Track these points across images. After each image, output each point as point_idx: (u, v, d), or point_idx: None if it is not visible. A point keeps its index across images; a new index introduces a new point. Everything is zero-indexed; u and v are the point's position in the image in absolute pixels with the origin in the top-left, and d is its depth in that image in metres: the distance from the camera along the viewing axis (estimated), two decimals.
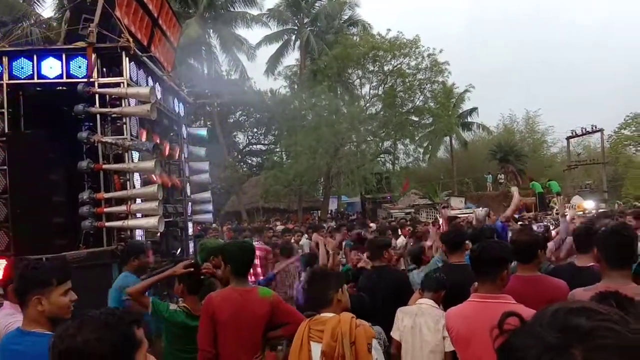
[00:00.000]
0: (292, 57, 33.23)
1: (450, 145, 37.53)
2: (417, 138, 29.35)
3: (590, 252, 2.95)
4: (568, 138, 29.88)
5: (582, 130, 27.92)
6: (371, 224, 13.21)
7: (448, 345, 3.02)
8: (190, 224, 7.97)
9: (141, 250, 4.42)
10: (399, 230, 9.27)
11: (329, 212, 26.93)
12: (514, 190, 6.66)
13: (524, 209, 21.66)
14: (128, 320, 1.35)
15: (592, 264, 3.17)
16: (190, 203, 8.02)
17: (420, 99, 25.92)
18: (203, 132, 9.18)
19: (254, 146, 35.63)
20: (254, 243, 6.88)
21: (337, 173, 25.16)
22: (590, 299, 1.91)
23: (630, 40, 76.79)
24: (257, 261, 6.44)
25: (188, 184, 7.97)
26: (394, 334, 3.29)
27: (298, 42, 32.14)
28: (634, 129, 37.02)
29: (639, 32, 77.05)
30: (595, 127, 27.85)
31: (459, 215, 15.53)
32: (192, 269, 3.34)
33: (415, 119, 27.29)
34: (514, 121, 42.16)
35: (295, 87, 29.81)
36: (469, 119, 37.78)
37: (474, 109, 37.14)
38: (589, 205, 17.89)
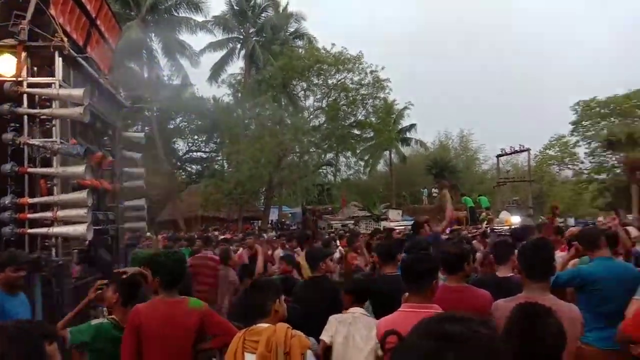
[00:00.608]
0: (237, 66, 33.05)
1: (390, 159, 38.63)
2: (358, 151, 30.00)
3: (509, 263, 3.16)
4: (498, 156, 31.56)
5: (510, 149, 29.62)
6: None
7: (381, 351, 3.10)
8: (122, 233, 7.65)
9: (9, 261, 3.52)
10: (337, 241, 9.38)
11: (270, 222, 26.79)
12: (445, 193, 6.91)
13: (456, 222, 22.63)
14: (37, 334, 1.28)
15: (511, 274, 3.39)
16: (122, 210, 7.70)
17: (362, 113, 26.55)
18: (140, 137, 8.87)
19: (194, 153, 34.85)
20: (206, 253, 6.76)
21: (279, 183, 25.14)
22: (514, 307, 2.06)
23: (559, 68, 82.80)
24: (207, 271, 6.31)
25: (121, 191, 7.66)
26: (325, 337, 3.25)
27: (243, 51, 31.97)
28: (557, 149, 39.83)
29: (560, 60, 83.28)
30: (523, 147, 29.64)
31: (396, 228, 16.02)
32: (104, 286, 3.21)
33: (357, 132, 27.88)
34: (449, 138, 44.18)
35: (239, 95, 29.60)
36: (408, 135, 39.12)
37: (412, 125, 38.54)
38: (516, 220, 18.98)
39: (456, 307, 2.94)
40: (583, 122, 37.22)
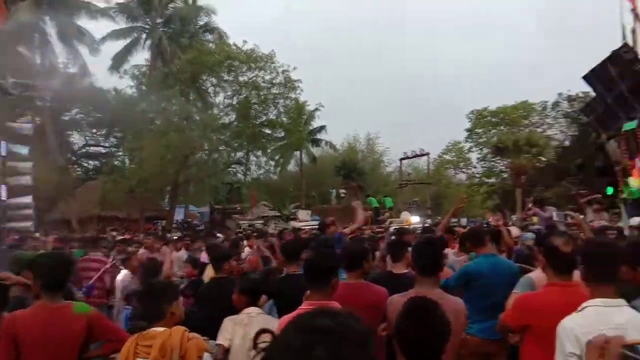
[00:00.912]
0: (141, 57, 31.33)
1: (300, 160, 39.00)
2: (269, 150, 29.89)
3: (404, 261, 3.36)
4: (401, 159, 33.24)
5: (412, 153, 31.32)
6: (218, 235, 12.99)
7: None
8: (4, 233, 6.93)
9: None
10: (245, 241, 9.27)
11: (175, 222, 25.77)
12: (357, 204, 7.13)
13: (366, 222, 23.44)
14: None
15: (405, 271, 3.59)
16: (4, 209, 6.98)
17: (274, 112, 26.47)
18: (27, 128, 8.10)
19: (92, 148, 32.50)
20: (94, 255, 6.28)
21: (186, 181, 24.28)
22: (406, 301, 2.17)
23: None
24: (92, 274, 5.88)
25: (3, 187, 6.94)
26: (222, 340, 3.16)
27: (149, 42, 30.44)
28: (453, 154, 42.88)
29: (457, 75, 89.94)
30: (423, 151, 31.49)
31: (304, 227, 16.21)
32: None
33: (268, 131, 27.76)
34: (357, 141, 45.64)
35: (144, 88, 28.14)
36: (319, 136, 39.79)
37: (323, 127, 39.26)
38: (415, 219, 20.12)
39: (355, 303, 3.04)
40: (476, 130, 40.48)
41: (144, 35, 30.75)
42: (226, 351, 3.11)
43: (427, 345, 1.94)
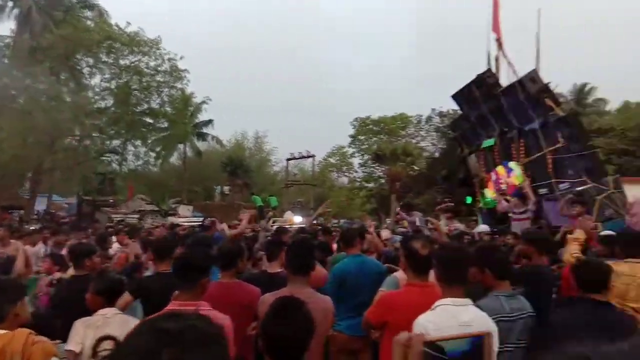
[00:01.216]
0: (6, 27, 27.63)
1: (184, 153, 37.50)
2: (149, 141, 28.22)
3: (279, 260, 3.39)
4: (288, 160, 33.69)
5: (299, 154, 31.92)
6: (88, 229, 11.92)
7: None
8: None
9: None
10: (114, 236, 8.62)
11: (35, 212, 23.15)
12: (244, 213, 6.98)
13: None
14: None
15: (280, 270, 3.63)
16: None
17: (157, 101, 25.07)
18: None
19: None
20: None
21: (51, 168, 21.94)
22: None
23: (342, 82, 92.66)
24: None
25: None
26: (72, 346, 2.87)
27: (16, 11, 26.97)
28: (337, 158, 44.53)
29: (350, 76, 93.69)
30: (310, 153, 32.28)
31: (183, 224, 15.56)
32: None
33: (150, 121, 26.22)
34: (245, 138, 45.18)
35: (6, 61, 24.87)
36: (205, 130, 38.60)
37: (210, 121, 38.14)
38: (298, 219, 20.48)
39: (227, 302, 2.99)
40: (359, 137, 42.54)
41: (10, 4, 27.17)
42: (77, 356, 2.82)
43: (290, 344, 1.97)
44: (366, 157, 41.40)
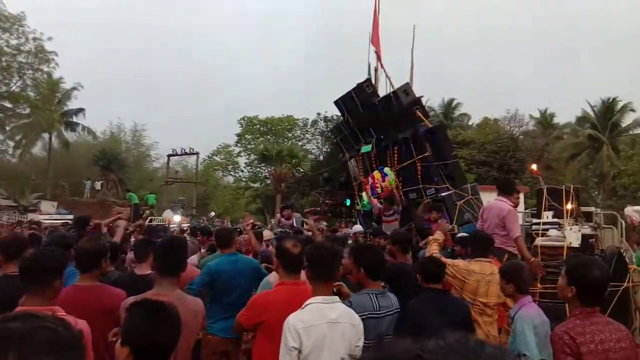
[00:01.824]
0: None
1: (50, 143, 33.90)
2: (8, 128, 25.07)
3: (149, 261, 3.22)
4: (169, 156, 32.20)
5: (181, 151, 30.68)
6: None
7: None
8: None
9: None
10: None
11: None
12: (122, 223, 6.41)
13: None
14: None
15: (150, 272, 3.45)
16: None
17: (18, 84, 22.41)
18: None
19: None
20: None
21: None
22: None
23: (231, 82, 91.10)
24: None
25: None
26: None
27: None
28: (223, 156, 43.65)
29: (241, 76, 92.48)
30: (193, 150, 31.19)
31: (46, 222, 14.03)
32: None
33: (9, 105, 23.32)
34: (122, 131, 42.20)
35: None
36: (75, 119, 35.29)
37: (80, 110, 34.98)
38: (177, 219, 19.65)
39: (86, 307, 2.76)
40: (246, 136, 42.19)
41: None
42: None
43: (154, 348, 1.88)
44: (252, 157, 41.18)
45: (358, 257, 3.21)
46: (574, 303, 2.44)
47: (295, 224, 9.04)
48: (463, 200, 8.57)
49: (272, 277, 3.58)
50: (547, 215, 6.80)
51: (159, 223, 18.12)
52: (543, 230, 6.42)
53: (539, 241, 6.15)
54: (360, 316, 2.86)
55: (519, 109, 38.80)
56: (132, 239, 6.06)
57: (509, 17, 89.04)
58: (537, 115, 38.63)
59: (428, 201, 8.08)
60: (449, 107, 39.69)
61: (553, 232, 6.30)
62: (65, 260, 2.57)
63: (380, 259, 3.31)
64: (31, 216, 19.51)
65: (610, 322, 2.44)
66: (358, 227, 9.03)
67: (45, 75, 23.34)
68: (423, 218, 7.00)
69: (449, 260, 3.94)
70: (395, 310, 3.12)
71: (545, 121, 38.17)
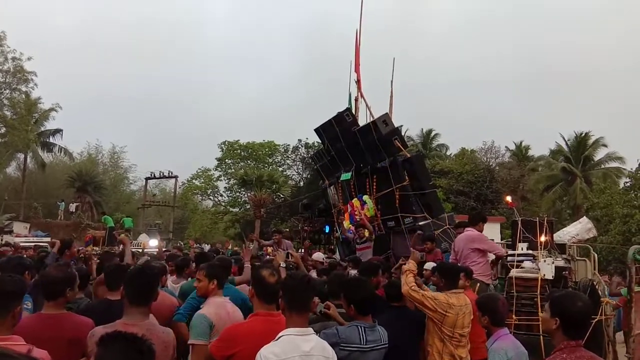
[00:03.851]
0: None
1: (24, 164, 33.17)
2: None
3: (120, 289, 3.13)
4: (147, 179, 31.79)
5: (160, 174, 30.35)
6: None
7: None
8: None
9: None
10: None
11: None
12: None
13: (92, 241, 21.23)
14: None
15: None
16: None
17: None
18: None
19: None
20: None
21: None
22: None
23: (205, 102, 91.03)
24: None
25: None
26: None
27: None
28: (202, 180, 43.29)
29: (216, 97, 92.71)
30: (172, 173, 30.89)
31: (24, 244, 13.53)
32: None
33: None
34: (100, 152, 41.64)
35: None
36: (52, 140, 34.70)
37: (58, 130, 34.44)
38: (153, 243, 19.22)
39: (50, 337, 2.66)
40: (226, 160, 42.03)
41: None
42: None
43: None
44: (232, 181, 40.93)
45: (347, 292, 3.20)
46: (558, 336, 2.44)
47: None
48: (440, 230, 8.64)
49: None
50: (522, 247, 6.89)
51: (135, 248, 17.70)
52: (518, 261, 6.49)
53: (514, 272, 6.22)
54: (346, 348, 2.89)
55: (495, 140, 39.81)
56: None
57: (487, 46, 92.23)
58: (512, 147, 39.59)
59: (420, 233, 8.13)
60: (427, 137, 40.39)
61: (527, 264, 6.38)
62: (24, 285, 2.48)
63: (370, 294, 3.26)
64: (6, 238, 18.92)
65: (594, 357, 2.44)
66: (319, 255, 8.99)
67: (23, 95, 23.04)
68: (417, 248, 7.03)
69: (429, 294, 3.93)
70: (383, 345, 3.12)
71: (520, 153, 39.09)
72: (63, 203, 28.55)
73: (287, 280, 2.78)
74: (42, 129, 32.63)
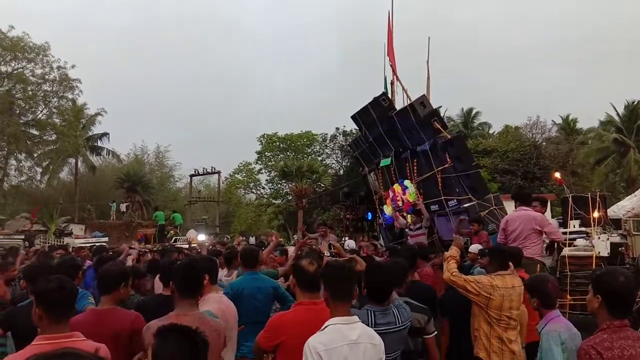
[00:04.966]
0: None
1: (76, 168, 34.80)
2: (36, 155, 25.84)
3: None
4: (191, 176, 32.66)
5: (203, 170, 31.08)
6: None
7: None
8: None
9: None
10: None
11: None
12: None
13: (144, 239, 22.06)
14: None
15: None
16: None
17: (44, 112, 23.16)
18: None
19: None
20: None
21: None
22: None
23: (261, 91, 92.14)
24: None
25: None
26: None
27: None
28: (244, 174, 44.04)
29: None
30: (215, 169, 31.57)
31: (84, 245, 14.23)
32: None
33: (36, 133, 24.08)
34: (145, 153, 43.08)
35: None
36: (99, 143, 36.20)
37: (105, 134, 35.88)
38: (201, 238, 19.77)
39: (98, 331, 2.76)
40: (266, 153, 42.52)
41: None
42: None
43: None
44: (273, 173, 41.41)
45: (365, 278, 3.14)
46: (602, 315, 2.35)
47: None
48: (487, 211, 8.41)
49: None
50: (574, 224, 6.63)
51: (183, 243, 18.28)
52: (570, 239, 6.25)
53: (567, 251, 5.99)
54: None
55: (540, 115, 38.23)
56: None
57: (526, 24, 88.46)
58: (559, 121, 37.97)
59: (464, 218, 7.98)
60: (468, 116, 39.34)
61: (580, 242, 6.14)
62: (76, 287, 2.61)
63: (383, 282, 3.09)
64: (67, 240, 19.95)
65: None
66: (351, 243, 8.94)
67: (70, 102, 24.09)
68: (462, 232, 6.89)
69: (471, 278, 3.85)
70: (399, 327, 3.04)
71: (568, 127, 37.44)
72: (115, 204, 29.80)
73: (328, 270, 2.76)
74: (90, 133, 34.10)
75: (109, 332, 2.84)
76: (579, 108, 74.46)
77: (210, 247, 9.47)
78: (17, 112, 22.14)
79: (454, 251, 4.03)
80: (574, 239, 6.32)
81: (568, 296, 5.48)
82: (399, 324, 3.05)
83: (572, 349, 2.95)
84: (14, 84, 21.46)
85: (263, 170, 42.89)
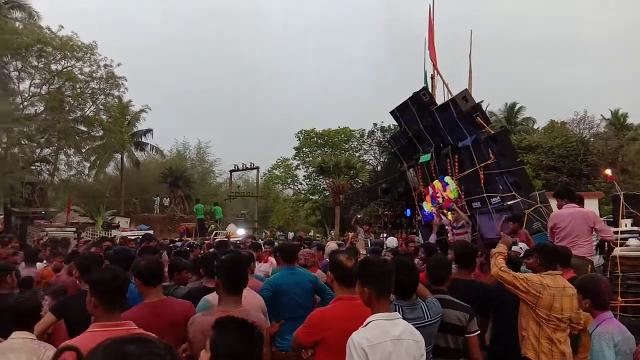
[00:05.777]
0: None
1: (121, 163, 36.07)
2: (84, 150, 26.91)
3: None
4: (231, 171, 33.21)
5: (243, 166, 31.57)
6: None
7: None
8: None
9: None
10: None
11: None
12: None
13: (186, 232, 22.65)
14: None
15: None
16: None
17: (92, 109, 24.05)
18: None
19: None
20: None
21: None
22: None
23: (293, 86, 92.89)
24: None
25: None
26: None
27: None
28: (282, 170, 44.46)
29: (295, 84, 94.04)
30: (253, 165, 31.99)
31: (131, 237, 14.82)
32: None
33: (84, 129, 25.06)
34: (187, 148, 44.13)
35: None
36: (144, 139, 37.37)
37: (149, 130, 37.03)
38: (241, 232, 20.15)
39: (151, 322, 2.84)
40: (304, 149, 42.74)
41: None
42: None
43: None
44: (311, 169, 41.59)
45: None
46: None
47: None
48: (531, 209, 8.15)
49: (211, 297, 3.32)
50: (626, 223, 6.34)
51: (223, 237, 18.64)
52: (621, 239, 5.98)
53: (618, 251, 5.74)
54: None
55: (588, 110, 36.64)
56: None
57: (570, 16, 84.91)
58: (608, 116, 36.27)
59: (506, 216, 7.77)
60: (511, 111, 38.18)
61: (633, 242, 5.86)
62: (128, 278, 2.70)
63: (410, 278, 3.05)
64: (115, 232, 20.77)
65: None
66: (393, 241, 8.83)
67: (116, 100, 24.95)
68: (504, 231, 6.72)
69: (520, 275, 3.74)
70: (428, 322, 3.00)
71: (617, 122, 35.71)
72: (158, 198, 30.73)
73: (371, 266, 2.71)
74: (135, 129, 35.25)
75: (164, 323, 2.93)
76: (630, 103, 70.99)
77: (250, 241, 9.62)
78: (67, 109, 23.06)
79: (501, 248, 3.93)
80: (626, 239, 6.03)
81: (619, 298, 5.24)
82: (427, 318, 3.02)
83: (626, 353, 2.83)
84: (64, 81, 22.38)
85: (301, 166, 43.17)
